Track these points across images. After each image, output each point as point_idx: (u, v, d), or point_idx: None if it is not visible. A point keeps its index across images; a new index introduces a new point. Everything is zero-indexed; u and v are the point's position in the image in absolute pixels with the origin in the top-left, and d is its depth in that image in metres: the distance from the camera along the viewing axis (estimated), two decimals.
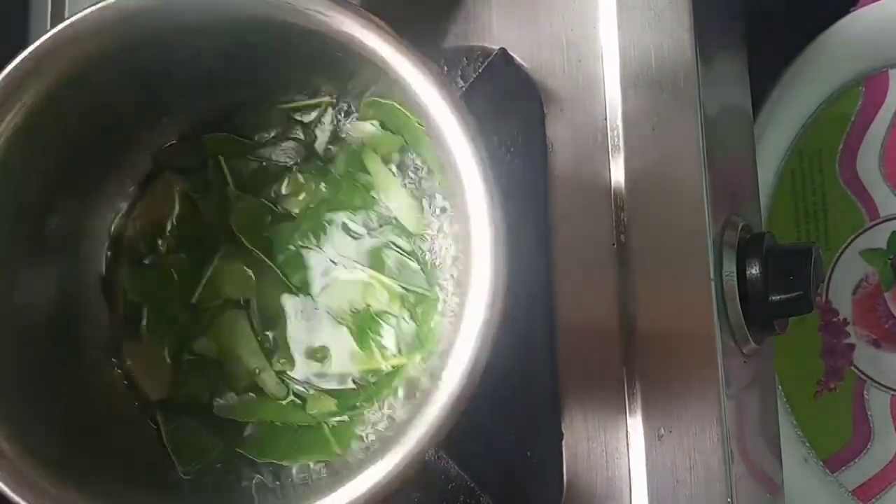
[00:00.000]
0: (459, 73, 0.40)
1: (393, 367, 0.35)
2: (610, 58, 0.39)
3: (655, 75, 0.38)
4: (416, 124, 0.32)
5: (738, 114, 0.47)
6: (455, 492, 0.37)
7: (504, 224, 0.29)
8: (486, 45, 0.41)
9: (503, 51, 0.40)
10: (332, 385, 0.36)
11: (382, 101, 0.34)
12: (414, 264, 0.35)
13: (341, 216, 0.36)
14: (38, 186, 0.35)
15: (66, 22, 0.32)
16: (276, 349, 0.36)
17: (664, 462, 0.37)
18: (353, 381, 0.36)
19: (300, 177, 0.37)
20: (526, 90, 0.40)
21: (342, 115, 0.37)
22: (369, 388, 0.35)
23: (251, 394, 0.36)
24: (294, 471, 0.35)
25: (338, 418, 0.35)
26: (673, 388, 0.37)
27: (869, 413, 0.52)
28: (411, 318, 0.35)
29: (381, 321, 0.35)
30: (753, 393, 0.43)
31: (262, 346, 0.36)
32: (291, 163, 0.37)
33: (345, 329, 0.36)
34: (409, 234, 0.35)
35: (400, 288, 0.35)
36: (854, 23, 0.53)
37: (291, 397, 0.36)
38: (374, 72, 0.31)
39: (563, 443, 0.38)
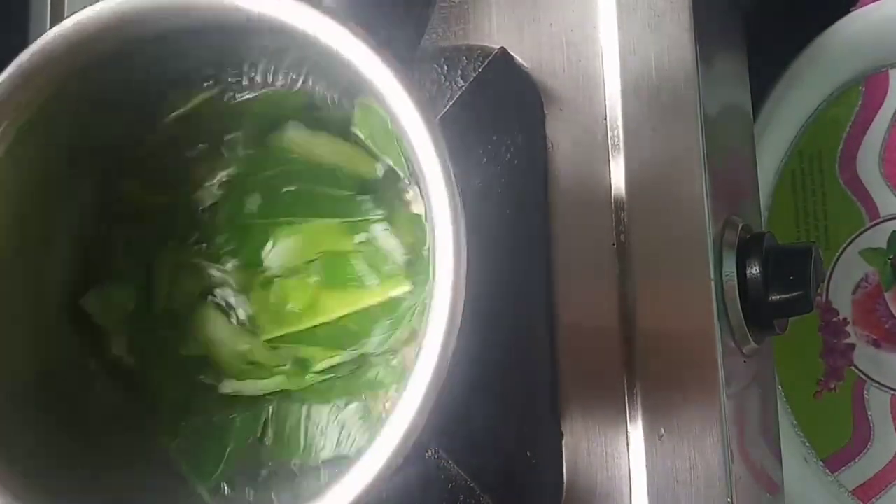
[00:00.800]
0: (459, 72, 0.40)
1: (383, 299, 0.34)
2: (610, 58, 0.39)
3: (655, 75, 0.38)
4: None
5: (739, 114, 0.47)
6: (455, 492, 0.37)
7: (465, 234, 0.28)
8: (486, 44, 0.40)
9: (503, 50, 0.40)
10: (333, 342, 0.35)
11: (372, 105, 0.34)
12: (344, 192, 0.34)
13: (260, 184, 0.35)
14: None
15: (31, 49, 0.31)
16: (255, 325, 0.36)
17: (664, 462, 0.37)
18: (349, 329, 0.35)
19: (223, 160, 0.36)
20: (526, 90, 0.40)
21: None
22: (368, 327, 0.34)
23: (251, 378, 0.36)
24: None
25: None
26: (673, 387, 0.37)
27: (869, 413, 0.52)
28: (376, 246, 0.34)
29: (346, 259, 0.35)
30: (753, 393, 0.43)
31: (241, 327, 0.36)
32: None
33: (313, 279, 0.35)
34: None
35: (340, 221, 0.34)
36: (854, 23, 0.53)
37: (290, 362, 0.35)
38: (346, 72, 0.30)
39: (563, 443, 0.38)
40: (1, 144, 0.32)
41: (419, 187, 0.30)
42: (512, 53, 0.40)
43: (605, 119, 0.39)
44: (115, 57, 0.32)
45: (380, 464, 0.27)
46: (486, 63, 0.39)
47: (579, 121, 0.39)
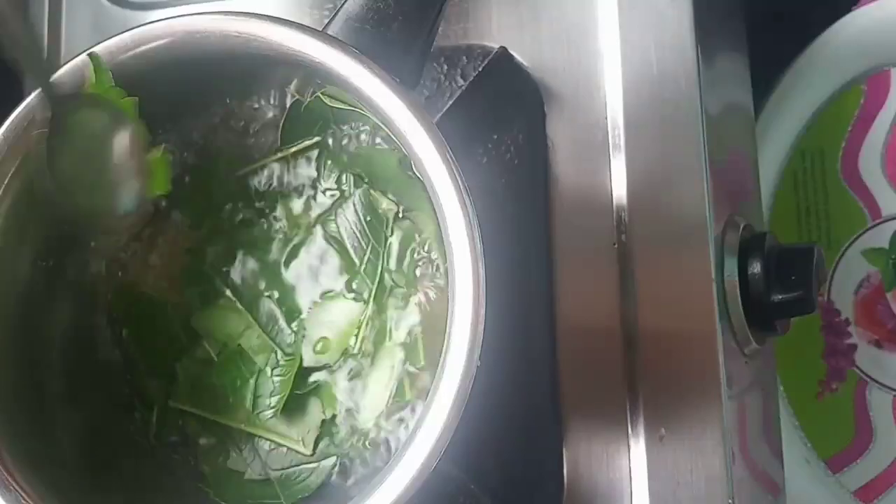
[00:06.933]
0: (459, 71, 0.40)
1: None
2: (611, 57, 0.39)
3: (657, 75, 0.38)
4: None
5: (740, 113, 0.47)
6: (455, 492, 0.36)
7: (485, 278, 0.29)
8: (486, 43, 0.40)
9: (503, 49, 0.40)
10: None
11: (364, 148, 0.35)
12: None
13: None
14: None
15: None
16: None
17: (665, 463, 0.37)
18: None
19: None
20: (526, 89, 0.40)
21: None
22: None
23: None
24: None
25: None
26: (674, 388, 0.37)
27: (871, 414, 0.52)
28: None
29: None
30: (755, 394, 0.43)
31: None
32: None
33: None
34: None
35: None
36: (855, 22, 0.53)
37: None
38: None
39: (564, 443, 0.38)
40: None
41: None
42: (512, 52, 0.40)
43: (606, 118, 0.39)
44: None
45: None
46: (486, 62, 0.39)
47: (580, 120, 0.39)
